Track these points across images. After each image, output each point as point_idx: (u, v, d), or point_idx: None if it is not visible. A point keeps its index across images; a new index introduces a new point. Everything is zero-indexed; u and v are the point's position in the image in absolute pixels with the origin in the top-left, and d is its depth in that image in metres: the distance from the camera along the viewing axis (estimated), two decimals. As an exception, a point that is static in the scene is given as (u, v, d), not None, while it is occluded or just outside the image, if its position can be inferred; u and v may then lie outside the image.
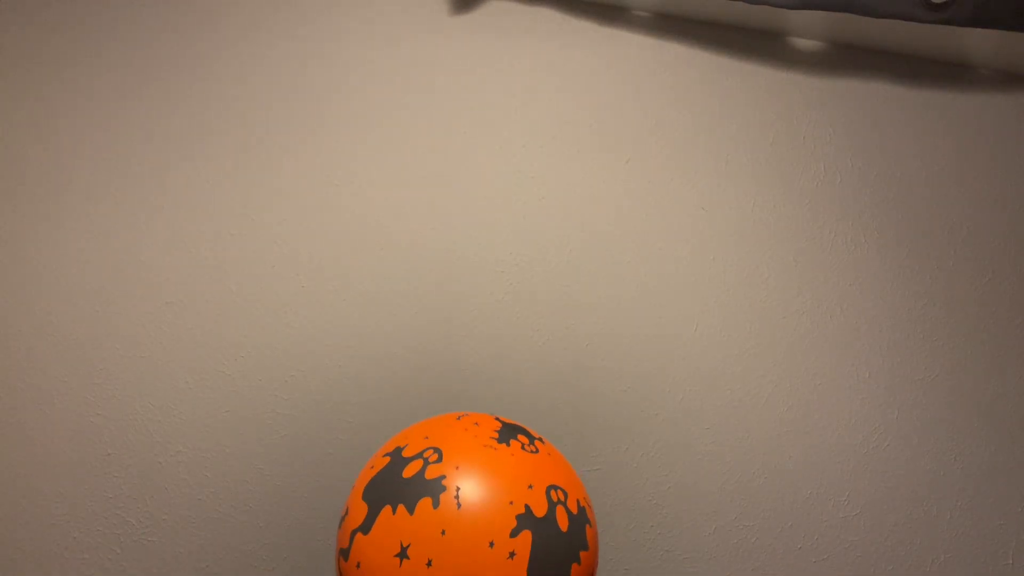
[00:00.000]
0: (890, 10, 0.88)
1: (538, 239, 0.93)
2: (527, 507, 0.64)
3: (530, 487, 0.66)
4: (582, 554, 0.65)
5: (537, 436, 0.78)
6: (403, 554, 0.63)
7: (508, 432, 0.74)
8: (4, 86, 0.96)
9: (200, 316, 0.89)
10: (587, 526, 0.68)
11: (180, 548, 0.82)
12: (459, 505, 0.64)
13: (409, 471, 0.68)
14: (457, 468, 0.68)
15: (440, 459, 0.70)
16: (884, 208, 0.97)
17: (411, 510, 0.65)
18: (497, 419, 0.78)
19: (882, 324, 0.93)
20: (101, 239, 0.91)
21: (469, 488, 0.65)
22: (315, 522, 0.84)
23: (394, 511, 0.65)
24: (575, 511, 0.68)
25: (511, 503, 0.64)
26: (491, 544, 0.61)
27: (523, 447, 0.72)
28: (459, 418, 0.76)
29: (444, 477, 0.67)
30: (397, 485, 0.67)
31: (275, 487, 0.84)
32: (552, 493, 0.67)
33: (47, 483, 0.83)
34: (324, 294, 0.90)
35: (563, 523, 0.66)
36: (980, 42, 0.97)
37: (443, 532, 0.62)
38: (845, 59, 1.00)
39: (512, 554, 0.61)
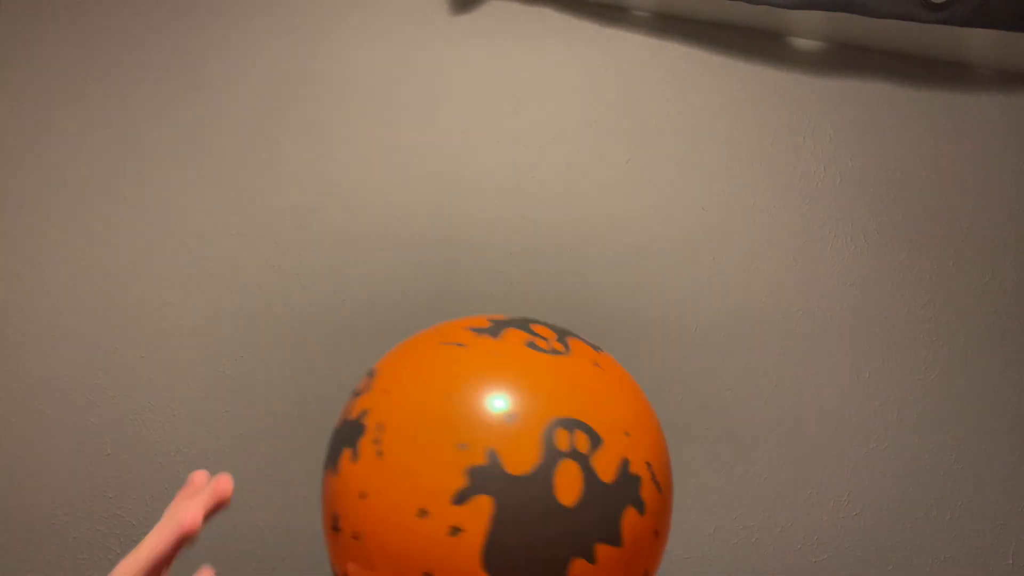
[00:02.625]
0: (890, 10, 0.88)
1: (537, 239, 0.94)
2: (492, 454, 0.42)
3: (509, 417, 0.43)
4: (601, 548, 0.42)
5: (571, 334, 0.54)
6: (335, 525, 0.47)
7: (503, 325, 0.51)
8: (1, 86, 0.96)
9: (200, 316, 0.89)
10: (630, 506, 0.44)
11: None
12: (379, 452, 0.44)
13: (345, 411, 0.51)
14: (386, 393, 0.47)
15: (370, 384, 0.50)
16: (884, 208, 0.97)
17: (335, 468, 0.47)
18: (496, 317, 0.54)
19: (882, 324, 0.93)
20: (101, 239, 0.91)
21: (396, 424, 0.44)
22: (315, 522, 0.84)
23: (331, 471, 0.48)
24: (616, 471, 0.44)
25: (460, 446, 0.42)
26: (421, 512, 0.41)
27: (529, 344, 0.49)
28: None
29: (366, 412, 0.47)
30: (333, 436, 0.50)
31: (275, 487, 0.84)
32: (567, 433, 0.44)
33: (47, 483, 0.83)
34: (324, 294, 0.90)
35: (572, 488, 0.42)
36: (980, 42, 0.97)
37: (361, 495, 0.44)
38: (845, 59, 1.00)
39: (455, 530, 0.40)
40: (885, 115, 0.99)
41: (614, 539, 0.43)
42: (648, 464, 0.47)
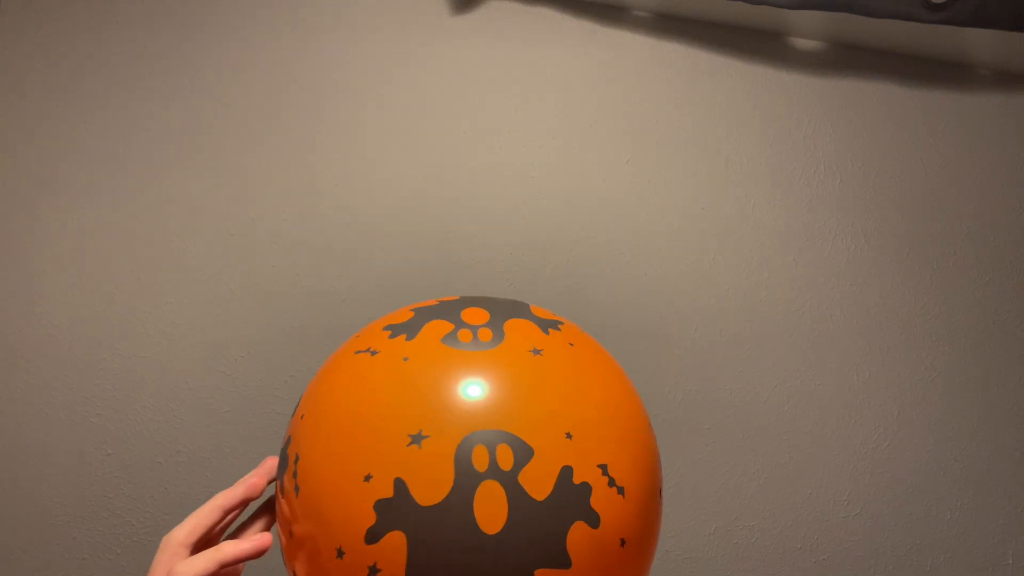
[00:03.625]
0: (890, 10, 0.88)
1: (538, 239, 0.93)
2: (400, 484, 0.37)
3: (417, 436, 0.38)
4: (543, 574, 0.37)
5: (518, 312, 0.47)
6: (283, 559, 0.46)
7: (426, 316, 0.46)
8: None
9: (200, 316, 0.89)
10: (577, 521, 0.38)
11: (180, 548, 0.82)
12: (296, 489, 0.41)
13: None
14: (302, 417, 0.44)
15: (295, 408, 0.47)
16: (884, 208, 0.97)
17: (276, 498, 0.46)
18: (424, 305, 0.48)
19: (882, 324, 0.93)
20: (100, 239, 0.91)
21: (307, 455, 0.41)
22: (315, 522, 0.84)
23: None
24: (553, 485, 0.38)
25: (367, 477, 0.37)
26: (339, 552, 0.38)
27: (448, 339, 0.43)
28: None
29: (289, 440, 0.44)
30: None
31: (275, 487, 0.84)
32: (486, 450, 0.38)
33: (47, 483, 0.83)
34: (324, 294, 0.90)
35: (495, 513, 0.37)
36: (980, 42, 0.97)
37: (290, 533, 0.42)
38: (845, 59, 1.00)
39: (372, 571, 0.37)
40: (885, 115, 0.99)
41: (559, 561, 0.37)
42: (603, 467, 0.40)
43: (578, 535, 0.38)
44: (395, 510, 0.37)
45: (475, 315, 0.46)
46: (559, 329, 0.47)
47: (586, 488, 0.39)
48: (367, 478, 0.38)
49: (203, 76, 0.97)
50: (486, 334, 0.44)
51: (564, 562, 0.38)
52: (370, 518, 0.37)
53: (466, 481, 0.37)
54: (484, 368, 0.41)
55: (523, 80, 0.98)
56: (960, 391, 0.92)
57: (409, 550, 0.36)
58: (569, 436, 0.40)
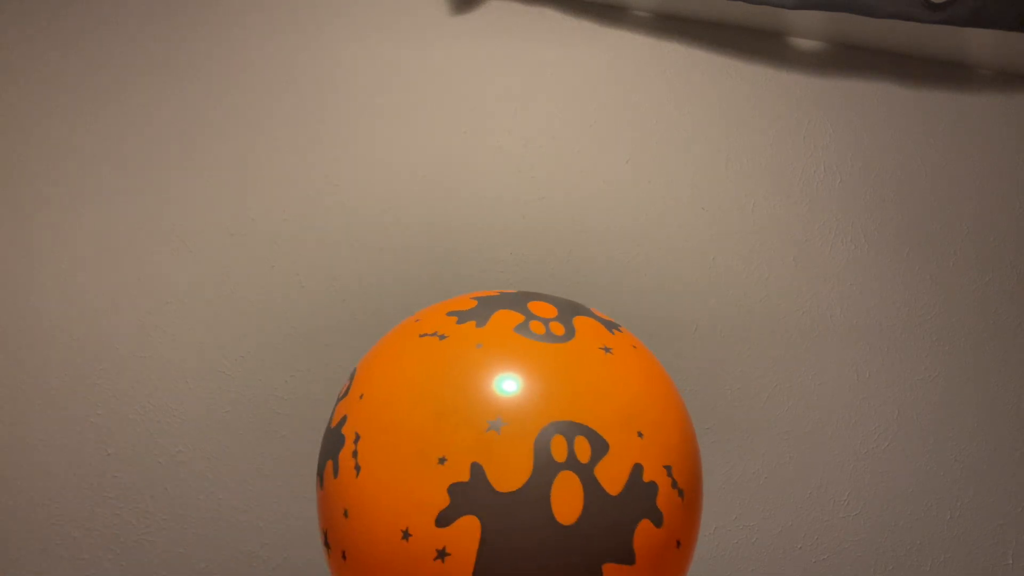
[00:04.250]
0: (890, 10, 0.88)
1: (538, 239, 0.94)
2: (477, 469, 0.36)
3: (495, 423, 0.37)
4: (610, 568, 0.37)
5: (582, 310, 0.47)
6: (326, 541, 0.44)
7: (492, 305, 0.45)
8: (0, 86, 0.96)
9: (200, 316, 0.89)
10: (644, 519, 0.39)
11: (180, 548, 0.82)
12: (357, 468, 0.40)
13: (332, 416, 0.47)
14: (362, 397, 0.43)
15: (349, 386, 0.46)
16: (884, 208, 0.97)
17: (321, 482, 0.44)
18: (485, 295, 0.47)
19: (882, 324, 0.93)
20: (100, 239, 0.91)
21: (372, 434, 0.40)
22: (315, 522, 0.84)
23: (319, 485, 0.45)
24: (626, 481, 0.38)
25: (441, 460, 0.37)
26: (404, 534, 0.37)
27: (520, 329, 0.42)
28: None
29: (344, 419, 0.43)
30: (322, 444, 0.46)
31: (276, 487, 0.84)
32: (565, 441, 0.37)
33: (47, 483, 0.83)
34: (324, 293, 0.90)
35: (571, 504, 0.36)
36: (980, 42, 0.97)
37: (344, 513, 0.41)
38: (845, 59, 1.00)
39: (441, 554, 0.36)
40: (885, 115, 0.99)
41: (625, 557, 0.37)
42: (667, 468, 0.40)
43: (644, 533, 0.38)
44: (470, 494, 0.36)
45: (542, 308, 0.46)
46: (620, 331, 0.48)
47: (653, 487, 0.39)
48: (442, 460, 0.37)
49: (203, 76, 0.97)
50: (558, 328, 0.44)
51: (630, 558, 0.38)
52: (443, 501, 0.36)
53: (545, 470, 0.37)
54: (559, 361, 0.41)
55: (523, 80, 0.98)
56: (960, 391, 0.92)
57: (483, 535, 0.36)
58: (640, 435, 0.40)
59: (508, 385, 0.40)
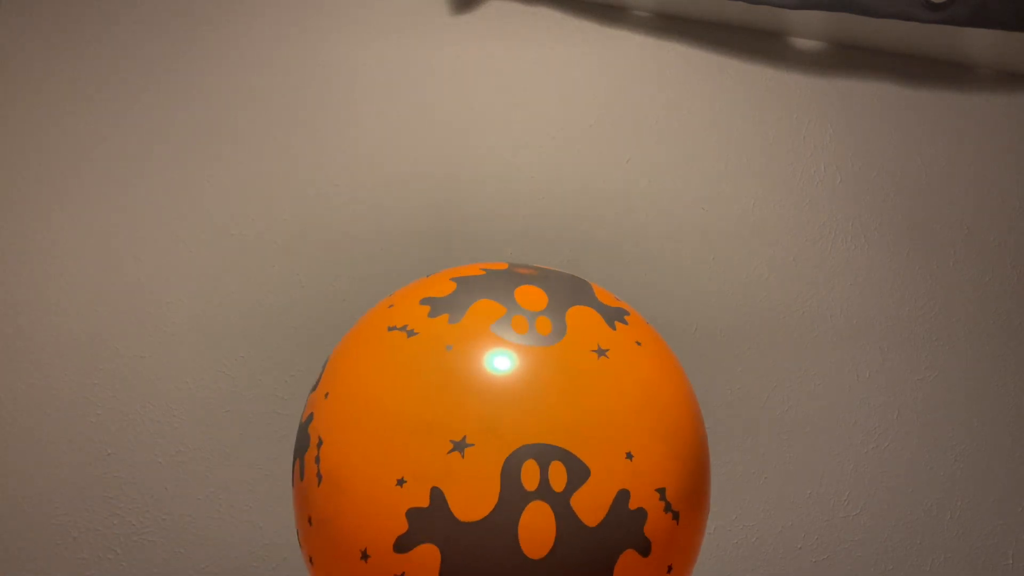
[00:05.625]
0: (890, 10, 0.88)
1: (537, 239, 0.94)
2: (438, 495, 0.32)
3: (460, 444, 0.32)
4: None
5: (579, 298, 0.40)
6: (299, 540, 0.42)
7: (472, 291, 0.39)
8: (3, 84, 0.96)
9: (201, 316, 0.89)
10: (628, 549, 0.34)
11: (180, 548, 0.82)
12: (319, 477, 0.37)
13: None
14: (326, 395, 0.40)
15: (319, 379, 0.43)
16: (884, 208, 0.97)
17: (292, 480, 0.42)
18: (467, 275, 0.42)
19: (882, 324, 0.93)
20: (100, 239, 0.91)
21: (334, 441, 0.37)
22: (315, 522, 0.84)
23: (292, 479, 0.42)
24: (608, 510, 0.33)
25: (400, 481, 0.33)
26: (363, 554, 0.34)
27: (499, 327, 0.36)
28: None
29: (311, 417, 0.40)
30: (297, 437, 0.43)
31: (275, 487, 0.84)
32: (537, 467, 0.32)
33: (47, 483, 0.83)
34: (324, 293, 0.90)
35: (541, 537, 0.32)
36: (980, 42, 0.97)
37: (308, 520, 0.38)
38: (845, 59, 1.00)
39: None
40: (885, 115, 0.99)
41: None
42: (660, 491, 0.36)
43: (626, 564, 0.34)
44: (430, 521, 0.32)
45: (531, 296, 0.39)
46: (625, 322, 0.41)
47: (641, 514, 0.35)
48: (400, 482, 0.33)
49: (206, 80, 0.97)
50: (545, 325, 0.37)
51: None
52: (401, 525, 0.33)
53: (512, 499, 0.32)
54: (542, 369, 0.36)
55: (523, 80, 0.98)
56: (960, 391, 0.92)
57: (442, 567, 0.32)
58: (630, 456, 0.35)
59: (477, 399, 0.35)
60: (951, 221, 0.97)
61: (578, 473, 0.34)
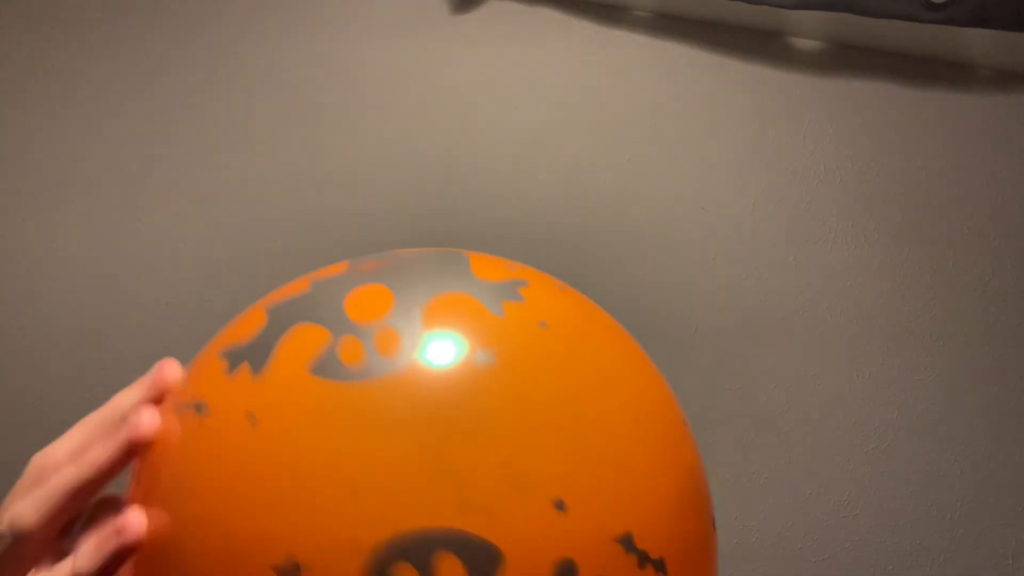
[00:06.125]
0: (890, 10, 0.88)
1: (537, 240, 0.94)
2: None
3: (286, 570, 0.21)
4: None
5: (464, 261, 0.30)
6: None
7: (283, 318, 0.27)
8: None
9: (200, 316, 0.89)
10: None
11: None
12: None
13: None
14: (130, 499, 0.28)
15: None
16: (884, 208, 0.97)
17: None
18: (283, 297, 0.30)
19: (882, 323, 0.93)
20: (100, 238, 0.91)
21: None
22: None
23: None
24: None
25: None
26: None
27: (327, 364, 0.24)
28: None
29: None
30: None
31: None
32: (417, 568, 0.21)
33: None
34: (324, 294, 0.90)
35: None
36: (980, 42, 0.97)
37: None
38: (845, 59, 1.00)
39: None
40: (885, 115, 0.99)
41: None
42: (624, 539, 0.24)
43: None
44: None
45: (368, 301, 0.26)
46: (520, 297, 0.28)
47: None
48: None
49: (206, 80, 0.97)
50: (388, 340, 0.25)
51: None
52: None
53: None
54: (392, 416, 0.23)
55: (523, 80, 0.98)
56: (960, 391, 0.92)
57: None
58: (560, 506, 0.23)
59: (304, 491, 0.22)
60: (951, 221, 0.97)
61: (483, 561, 0.21)
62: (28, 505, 0.25)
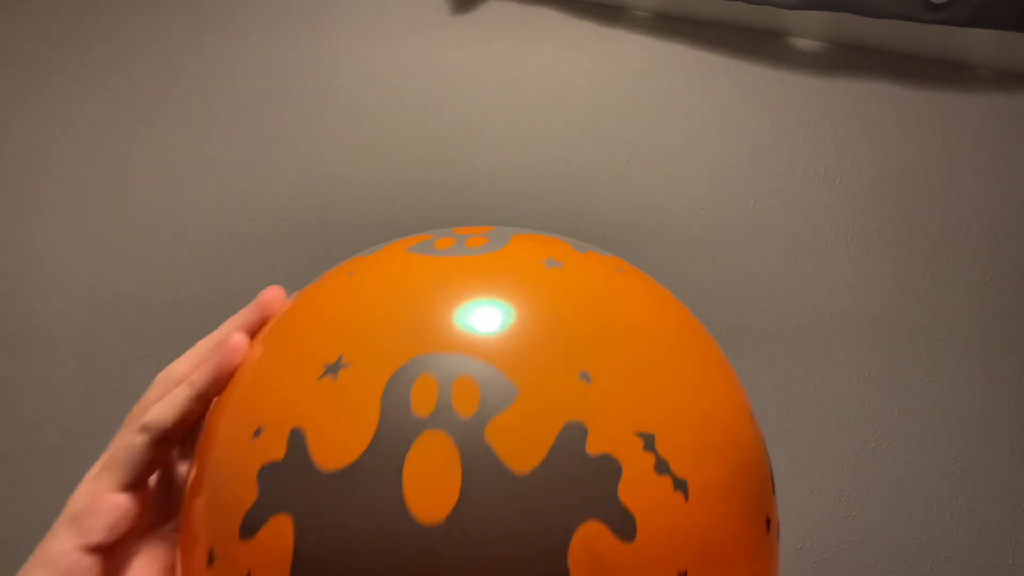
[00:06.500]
0: (890, 10, 0.88)
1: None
2: (296, 437, 0.23)
3: (334, 366, 0.24)
4: None
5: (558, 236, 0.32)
6: None
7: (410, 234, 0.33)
8: None
9: (199, 316, 0.89)
10: (591, 519, 0.21)
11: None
12: (193, 468, 0.30)
13: None
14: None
15: None
16: (884, 208, 0.97)
17: None
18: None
19: (882, 324, 0.93)
20: (100, 238, 0.91)
21: (211, 413, 0.30)
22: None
23: None
24: (550, 444, 0.22)
25: (256, 432, 0.24)
26: (209, 557, 0.24)
27: (423, 247, 0.30)
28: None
29: None
30: None
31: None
32: (434, 385, 0.23)
33: (48, 483, 0.83)
34: (324, 294, 0.90)
35: (439, 487, 0.21)
36: (980, 42, 0.97)
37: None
38: (845, 59, 1.00)
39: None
40: (885, 115, 0.99)
41: None
42: (645, 437, 0.23)
43: (592, 546, 0.21)
44: (284, 480, 0.22)
45: (475, 229, 0.31)
46: (603, 253, 0.32)
47: (611, 465, 0.22)
48: (256, 432, 0.24)
49: (205, 79, 0.97)
50: (478, 241, 0.29)
51: None
52: (250, 494, 0.23)
53: (395, 430, 0.22)
54: (463, 277, 0.26)
55: (523, 80, 0.98)
56: (960, 391, 0.92)
57: (296, 548, 0.21)
58: (586, 377, 0.23)
59: (366, 312, 0.26)
60: (951, 221, 0.97)
61: (498, 392, 0.22)
62: (160, 408, 0.30)
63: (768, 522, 0.28)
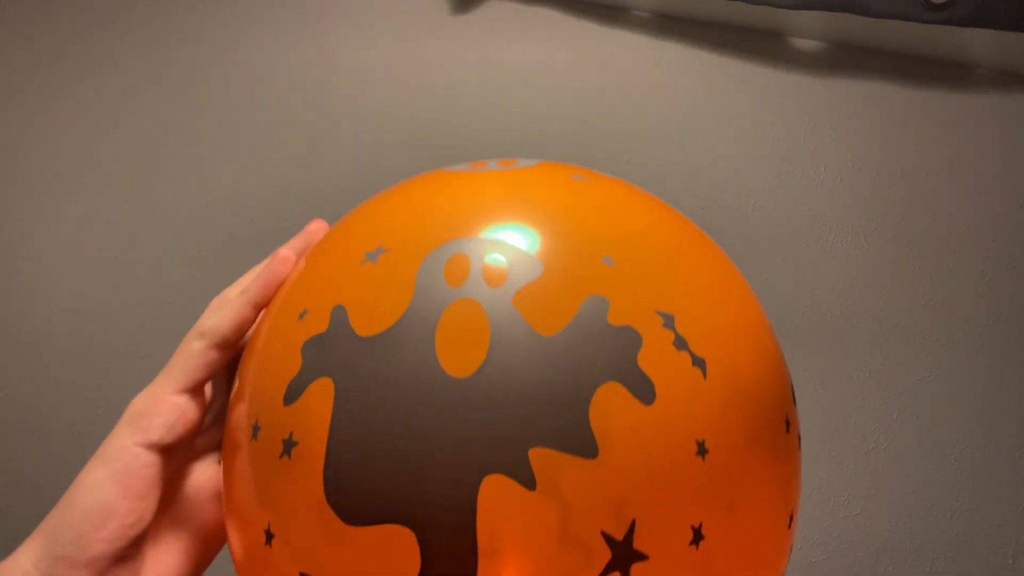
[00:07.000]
0: (890, 10, 0.88)
1: (538, 239, 0.94)
2: (339, 313, 0.25)
3: (374, 253, 0.27)
4: (541, 455, 0.21)
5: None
6: None
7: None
8: None
9: (199, 316, 0.89)
10: (609, 381, 0.22)
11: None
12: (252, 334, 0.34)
13: None
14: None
15: None
16: (884, 208, 0.97)
17: None
18: None
19: (882, 324, 0.93)
20: (99, 238, 0.91)
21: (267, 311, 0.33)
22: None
23: None
24: (573, 314, 0.23)
25: (302, 314, 0.27)
26: (254, 431, 0.26)
27: (458, 167, 0.34)
28: None
29: None
30: None
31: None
32: (465, 260, 0.25)
33: (48, 483, 0.83)
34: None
35: (466, 343, 0.23)
36: (980, 42, 0.97)
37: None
38: (845, 59, 1.00)
39: (288, 445, 0.24)
40: (885, 115, 0.99)
41: (576, 441, 0.21)
42: (666, 316, 0.24)
43: (611, 403, 0.22)
44: (326, 348, 0.24)
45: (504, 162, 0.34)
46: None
47: (631, 335, 0.23)
48: (302, 315, 0.26)
49: (204, 78, 0.97)
50: (508, 162, 0.33)
51: (584, 444, 0.21)
52: (294, 366, 0.25)
53: (428, 298, 0.24)
54: (496, 187, 0.30)
55: (523, 80, 0.98)
56: (960, 391, 0.92)
57: (336, 405, 0.23)
58: (609, 261, 0.25)
59: (406, 208, 0.29)
60: (951, 221, 0.97)
61: (524, 269, 0.24)
62: (216, 314, 0.32)
63: (788, 424, 0.31)
